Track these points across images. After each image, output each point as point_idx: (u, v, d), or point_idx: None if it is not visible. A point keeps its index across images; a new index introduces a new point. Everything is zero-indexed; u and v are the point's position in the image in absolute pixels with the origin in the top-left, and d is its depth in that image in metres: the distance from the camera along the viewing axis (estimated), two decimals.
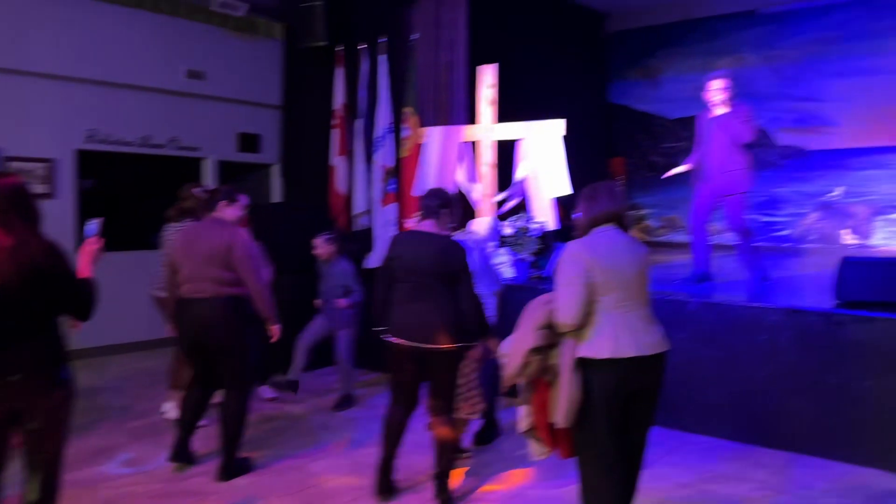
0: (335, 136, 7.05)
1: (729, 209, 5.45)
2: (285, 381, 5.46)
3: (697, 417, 4.61)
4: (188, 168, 7.54)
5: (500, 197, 6.35)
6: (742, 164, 5.36)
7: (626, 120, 10.23)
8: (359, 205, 6.86)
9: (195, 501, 3.68)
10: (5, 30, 6.21)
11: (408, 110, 6.58)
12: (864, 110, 8.49)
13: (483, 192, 6.14)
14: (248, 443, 4.17)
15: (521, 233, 5.83)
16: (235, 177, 7.93)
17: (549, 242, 6.37)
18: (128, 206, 7.60)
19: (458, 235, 4.12)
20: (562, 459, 2.99)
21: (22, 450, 2.53)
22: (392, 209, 6.62)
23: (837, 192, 8.71)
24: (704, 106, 5.55)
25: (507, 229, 5.85)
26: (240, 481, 3.91)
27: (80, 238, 2.88)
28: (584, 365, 2.77)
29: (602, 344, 2.75)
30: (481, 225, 4.89)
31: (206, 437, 4.30)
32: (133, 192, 7.79)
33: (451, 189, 6.16)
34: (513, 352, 2.91)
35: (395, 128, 6.75)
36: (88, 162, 6.86)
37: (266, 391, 5.51)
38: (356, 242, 6.42)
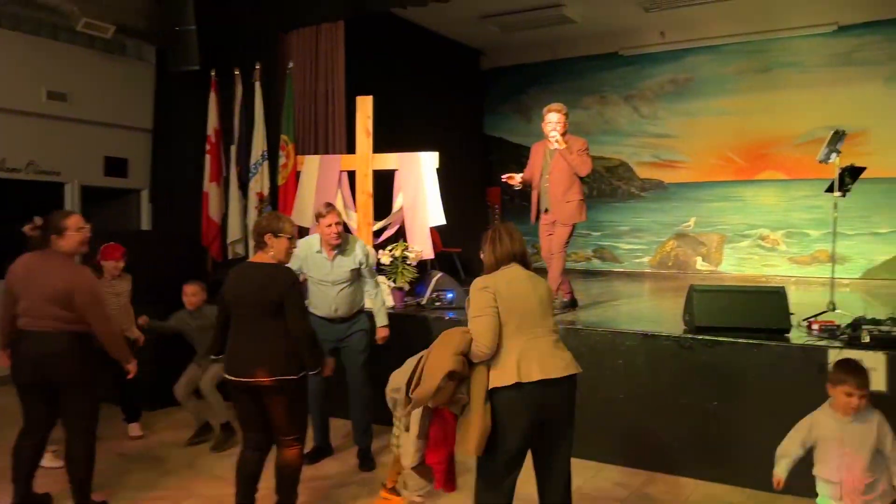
0: (208, 162, 6.89)
1: (557, 233, 5.56)
2: (199, 429, 5.26)
3: None
4: (49, 193, 7.13)
5: (379, 226, 6.44)
6: (578, 195, 5.52)
7: (501, 151, 10.64)
8: (233, 232, 6.73)
9: None
10: None
11: (284, 138, 6.56)
12: (712, 148, 9.28)
13: (361, 221, 6.20)
14: (105, 483, 4.00)
15: (399, 261, 5.93)
16: (101, 202, 7.58)
17: (426, 271, 6.53)
18: None
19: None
20: (447, 493, 3.06)
21: None
22: None
23: (691, 222, 9.43)
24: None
25: (385, 258, 5.94)
26: None
27: None
28: (492, 393, 2.95)
29: (508, 371, 2.94)
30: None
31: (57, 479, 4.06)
32: None
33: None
34: (428, 374, 2.99)
35: (271, 155, 6.70)
36: None
37: (134, 429, 5.30)
38: (227, 271, 6.29)
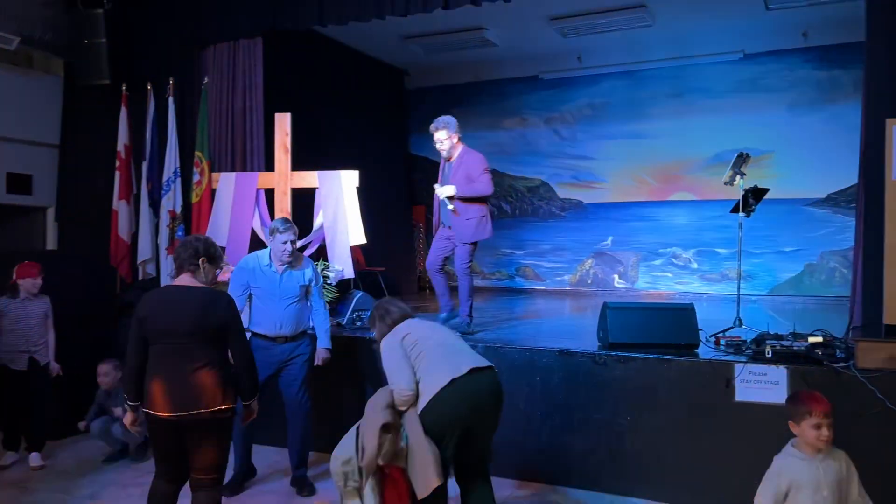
0: (118, 179, 6.64)
1: (458, 252, 5.50)
2: (134, 448, 5.15)
3: None
4: None
5: (298, 245, 6.32)
6: (477, 213, 5.39)
7: (426, 170, 10.67)
8: (143, 252, 6.48)
9: None
10: None
11: (198, 154, 6.39)
12: (627, 169, 9.58)
13: None
14: None
15: None
16: (3, 221, 7.18)
17: (347, 290, 6.46)
18: None
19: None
20: None
21: None
22: None
23: (609, 241, 9.67)
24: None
25: None
26: None
27: None
28: (429, 407, 3.24)
29: (439, 378, 3.27)
30: None
31: None
32: None
33: (242, 235, 6.10)
34: (367, 437, 3.19)
35: (184, 172, 6.51)
36: None
37: (35, 459, 5.03)
38: (138, 292, 6.07)
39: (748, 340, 4.62)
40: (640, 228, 9.49)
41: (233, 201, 6.19)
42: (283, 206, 6.08)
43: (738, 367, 4.26)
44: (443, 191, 5.40)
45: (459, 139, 5.48)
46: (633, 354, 4.54)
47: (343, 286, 6.26)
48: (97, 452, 5.23)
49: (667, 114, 9.26)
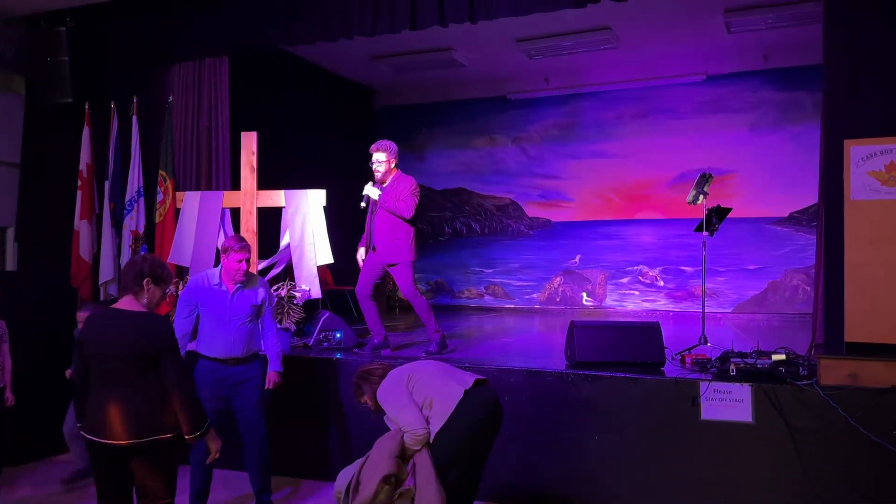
0: (79, 199, 6.52)
1: (397, 278, 5.54)
2: (76, 472, 5.03)
3: None
4: None
5: (264, 265, 6.27)
6: (405, 234, 5.47)
7: None
8: (105, 272, 6.35)
9: None
10: None
11: (162, 174, 6.31)
12: (593, 188, 9.67)
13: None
14: None
15: (286, 301, 5.76)
16: None
17: (314, 310, 6.39)
18: None
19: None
20: None
21: None
22: None
23: (576, 259, 9.73)
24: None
25: None
26: None
27: None
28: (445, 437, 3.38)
29: (450, 397, 3.47)
30: None
31: None
32: None
33: (207, 255, 6.01)
34: (366, 479, 3.26)
35: (148, 192, 6.42)
36: None
37: None
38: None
39: (713, 358, 4.66)
40: (608, 247, 9.57)
41: (197, 221, 6.11)
42: (249, 226, 6.01)
43: (703, 386, 4.29)
44: (370, 189, 5.46)
45: (396, 166, 5.56)
46: (600, 373, 4.56)
47: (310, 306, 6.19)
48: (55, 479, 5.09)
49: (632, 134, 9.38)
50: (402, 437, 3.38)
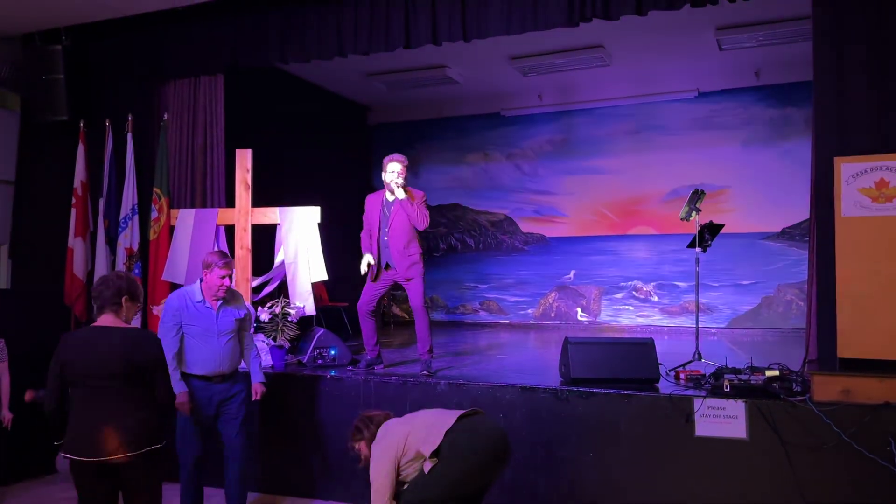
0: (73, 216, 6.52)
1: (411, 292, 5.50)
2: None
3: None
4: None
5: (258, 282, 6.26)
6: (417, 249, 5.48)
7: None
8: None
9: None
10: None
11: (157, 191, 6.32)
12: (587, 204, 9.71)
13: (240, 277, 6.00)
14: None
15: (280, 318, 5.74)
16: None
17: (309, 326, 6.38)
18: None
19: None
20: None
21: None
22: None
23: (571, 274, 9.75)
24: (379, 188, 5.67)
25: (264, 315, 5.75)
26: None
27: None
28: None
29: (436, 431, 3.57)
30: None
31: None
32: None
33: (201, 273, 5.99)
34: None
35: (141, 209, 6.42)
36: None
37: None
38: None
39: (707, 374, 4.67)
40: (602, 262, 9.60)
41: (192, 238, 6.11)
42: (244, 243, 6.02)
43: (697, 402, 4.30)
44: (398, 191, 5.42)
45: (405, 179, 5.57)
46: (594, 390, 4.56)
47: (305, 323, 6.18)
48: (50, 499, 5.05)
49: (625, 150, 9.44)
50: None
